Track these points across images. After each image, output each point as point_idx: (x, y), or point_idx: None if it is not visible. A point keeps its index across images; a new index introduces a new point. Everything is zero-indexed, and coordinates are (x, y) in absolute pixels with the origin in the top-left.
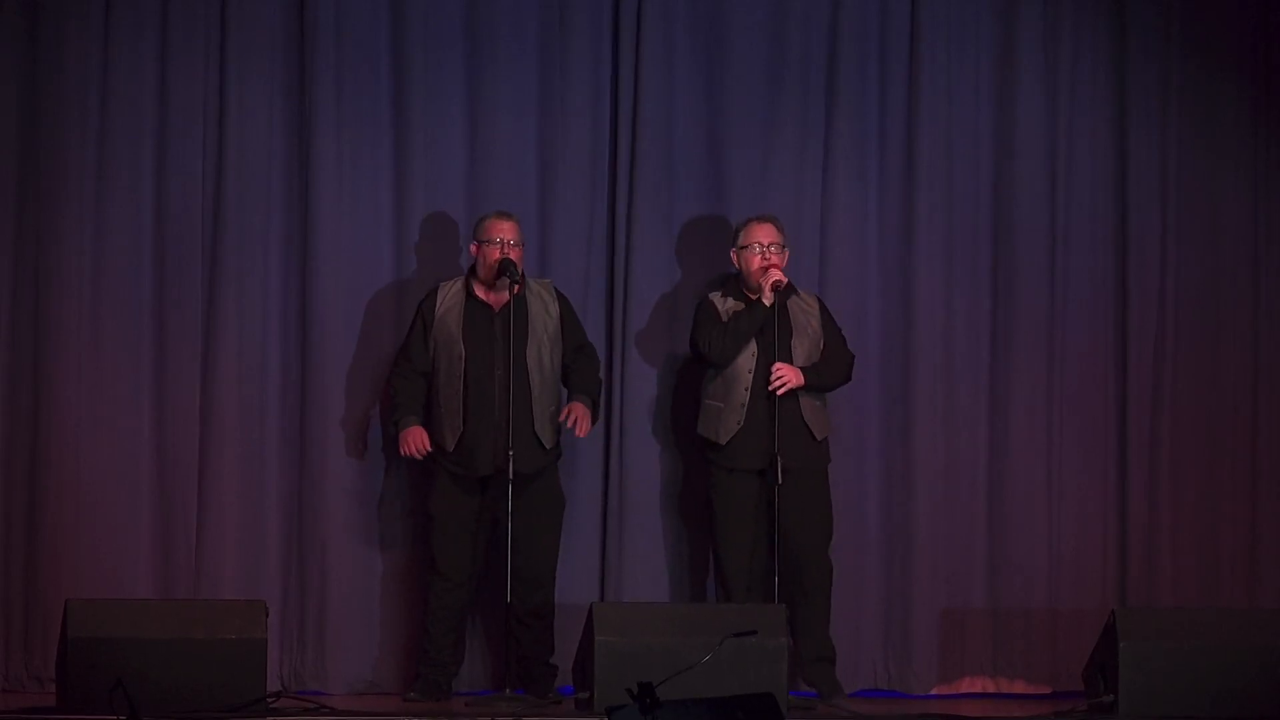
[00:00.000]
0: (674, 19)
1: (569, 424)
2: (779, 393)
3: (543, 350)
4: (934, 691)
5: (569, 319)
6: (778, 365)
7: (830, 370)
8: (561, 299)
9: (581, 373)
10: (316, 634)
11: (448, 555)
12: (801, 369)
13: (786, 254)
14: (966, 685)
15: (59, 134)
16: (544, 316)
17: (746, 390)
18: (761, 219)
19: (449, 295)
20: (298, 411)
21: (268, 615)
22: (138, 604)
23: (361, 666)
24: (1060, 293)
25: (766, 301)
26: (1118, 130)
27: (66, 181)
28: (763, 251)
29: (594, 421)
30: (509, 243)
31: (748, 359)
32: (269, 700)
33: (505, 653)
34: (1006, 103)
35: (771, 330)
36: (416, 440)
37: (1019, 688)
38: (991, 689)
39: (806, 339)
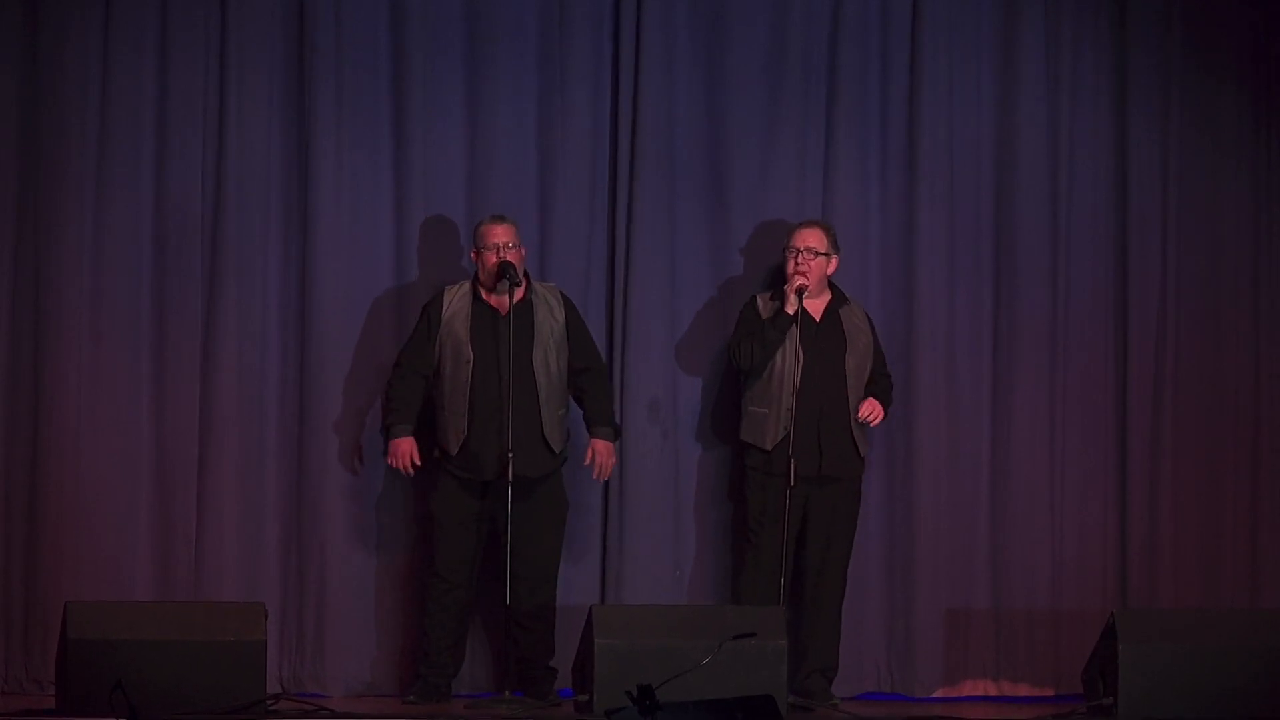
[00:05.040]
0: (674, 18)
1: (594, 474)
2: (872, 424)
3: (548, 354)
4: (937, 694)
5: (576, 327)
6: (869, 403)
7: (889, 399)
8: (568, 305)
9: (596, 400)
10: (315, 636)
11: (447, 557)
12: (879, 400)
13: (832, 261)
14: (969, 688)
15: (59, 133)
16: (549, 321)
17: (793, 396)
18: (805, 224)
19: (455, 299)
20: (297, 412)
21: (267, 617)
22: (137, 606)
23: (360, 668)
24: (1061, 292)
25: (789, 309)
26: (1118, 129)
27: (66, 180)
28: (795, 257)
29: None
30: (505, 245)
31: (794, 365)
32: (268, 702)
33: (505, 655)
34: (1007, 102)
35: (821, 338)
36: (405, 456)
37: (1023, 690)
38: (994, 692)
39: (857, 352)
